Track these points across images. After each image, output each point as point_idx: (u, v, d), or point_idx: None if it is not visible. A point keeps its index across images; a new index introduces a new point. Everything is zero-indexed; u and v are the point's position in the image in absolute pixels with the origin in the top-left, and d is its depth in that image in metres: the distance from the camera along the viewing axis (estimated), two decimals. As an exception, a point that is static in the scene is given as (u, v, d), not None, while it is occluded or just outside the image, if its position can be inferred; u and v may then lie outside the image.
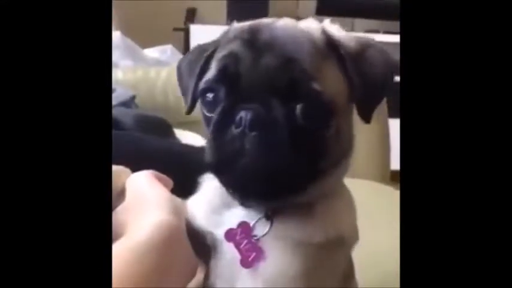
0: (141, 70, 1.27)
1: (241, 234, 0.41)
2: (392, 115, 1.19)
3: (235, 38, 0.40)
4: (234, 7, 2.39)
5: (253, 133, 0.36)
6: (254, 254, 0.40)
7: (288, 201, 0.40)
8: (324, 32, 0.40)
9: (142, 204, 0.41)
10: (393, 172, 1.19)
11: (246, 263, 0.40)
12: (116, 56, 1.48)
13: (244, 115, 0.36)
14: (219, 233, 0.42)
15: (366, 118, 0.40)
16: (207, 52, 0.42)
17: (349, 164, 0.43)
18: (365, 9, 2.57)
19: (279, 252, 0.40)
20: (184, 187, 0.50)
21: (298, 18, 0.45)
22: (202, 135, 1.09)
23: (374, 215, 0.77)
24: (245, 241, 0.40)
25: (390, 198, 0.90)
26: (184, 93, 0.44)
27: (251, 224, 0.41)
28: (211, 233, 0.42)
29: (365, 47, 0.40)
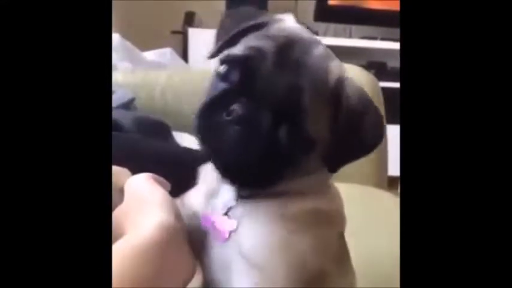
0: (141, 73, 1.27)
1: (213, 216, 0.44)
2: (389, 121, 1.20)
3: (271, 38, 0.41)
4: (232, 12, 2.40)
5: (237, 127, 0.38)
6: (226, 226, 0.43)
7: (249, 190, 0.43)
8: (339, 81, 0.42)
9: (142, 206, 0.41)
10: (390, 178, 1.19)
11: (218, 236, 0.43)
12: (115, 58, 1.48)
13: (237, 108, 0.39)
14: (204, 219, 0.45)
15: (333, 169, 0.43)
16: (249, 24, 0.43)
17: (322, 177, 0.46)
18: (362, 16, 2.59)
19: (254, 224, 0.42)
20: (181, 190, 0.50)
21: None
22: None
23: (371, 220, 0.77)
24: (219, 218, 0.43)
25: (387, 203, 0.90)
26: (217, 38, 0.46)
27: (230, 205, 0.44)
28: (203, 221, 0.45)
29: (365, 113, 0.42)
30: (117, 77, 1.19)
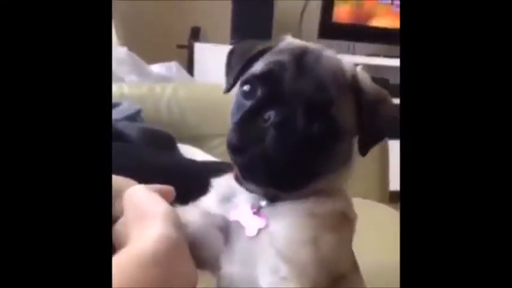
0: (147, 85, 1.29)
1: (240, 214, 0.47)
2: (392, 137, 1.20)
3: (285, 51, 0.47)
4: (237, 28, 2.44)
5: (276, 132, 0.42)
6: (255, 224, 0.45)
7: (284, 193, 0.46)
8: (354, 77, 0.48)
9: (142, 218, 0.41)
10: (392, 193, 1.19)
11: (244, 232, 0.45)
12: (123, 71, 1.51)
13: (273, 115, 0.42)
14: (230, 217, 0.47)
15: (363, 153, 0.48)
16: (256, 50, 0.49)
17: (347, 173, 0.49)
18: (366, 34, 2.62)
19: (286, 221, 0.45)
20: (186, 201, 0.51)
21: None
22: (205, 150, 1.10)
23: (372, 233, 0.77)
24: (247, 217, 0.46)
25: (389, 217, 0.90)
26: (227, 74, 0.51)
27: (260, 205, 0.47)
28: (225, 218, 0.47)
29: (380, 102, 0.48)
30: (123, 89, 1.21)
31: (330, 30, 2.57)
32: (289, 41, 0.50)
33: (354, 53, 2.70)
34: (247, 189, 0.48)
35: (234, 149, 0.45)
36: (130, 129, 0.85)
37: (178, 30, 2.59)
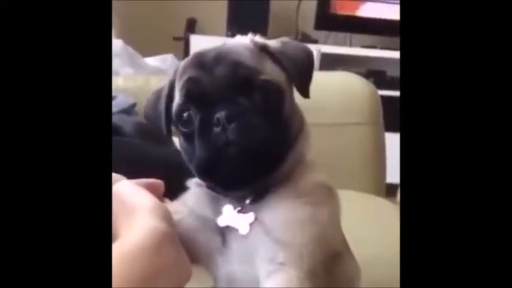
0: (142, 78, 1.28)
1: (228, 216, 0.47)
2: (388, 129, 1.20)
3: (186, 68, 0.47)
4: (233, 20, 2.42)
5: (232, 125, 0.43)
6: (245, 220, 0.46)
7: (272, 175, 0.47)
8: (253, 41, 0.50)
9: (130, 213, 0.41)
10: (389, 185, 1.20)
11: (238, 231, 0.45)
12: (117, 64, 1.49)
13: (219, 115, 0.43)
14: (220, 221, 0.47)
15: (304, 93, 0.49)
16: (165, 91, 0.50)
17: (307, 137, 0.51)
18: (362, 25, 2.61)
19: (277, 207, 0.45)
20: (181, 193, 0.50)
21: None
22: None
23: (368, 226, 0.77)
24: (234, 217, 0.46)
25: (384, 210, 0.91)
26: (159, 128, 0.51)
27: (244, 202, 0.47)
28: (216, 222, 0.47)
29: (284, 43, 0.51)
30: (118, 82, 1.20)
31: (326, 21, 2.55)
32: (181, 62, 0.50)
33: (350, 44, 2.68)
34: (226, 195, 0.48)
35: (209, 166, 0.45)
36: (125, 123, 0.84)
37: (174, 22, 2.57)
